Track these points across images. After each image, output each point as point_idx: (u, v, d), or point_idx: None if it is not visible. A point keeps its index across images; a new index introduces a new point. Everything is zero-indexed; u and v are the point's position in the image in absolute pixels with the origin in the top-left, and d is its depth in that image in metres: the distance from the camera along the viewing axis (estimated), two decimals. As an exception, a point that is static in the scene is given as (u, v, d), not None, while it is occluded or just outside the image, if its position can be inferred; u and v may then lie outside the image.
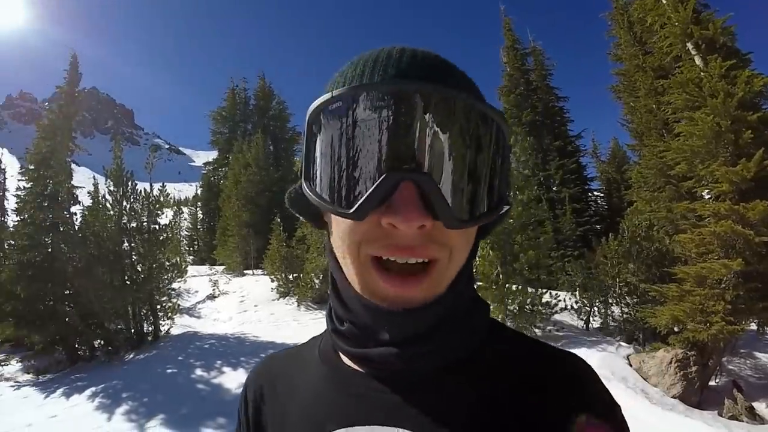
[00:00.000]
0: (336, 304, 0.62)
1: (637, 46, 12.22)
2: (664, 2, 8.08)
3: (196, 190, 42.11)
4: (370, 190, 0.47)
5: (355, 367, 0.60)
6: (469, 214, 0.50)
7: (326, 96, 0.50)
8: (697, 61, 7.72)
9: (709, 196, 8.19)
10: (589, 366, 0.60)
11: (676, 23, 7.77)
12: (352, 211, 0.48)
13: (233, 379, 8.11)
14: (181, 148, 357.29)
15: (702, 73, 7.36)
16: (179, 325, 12.43)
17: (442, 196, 0.47)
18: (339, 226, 0.54)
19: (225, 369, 8.69)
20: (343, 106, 0.49)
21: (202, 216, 33.05)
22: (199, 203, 35.06)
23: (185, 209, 37.45)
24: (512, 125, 19.49)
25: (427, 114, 0.47)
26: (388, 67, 0.53)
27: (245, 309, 14.19)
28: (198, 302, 15.93)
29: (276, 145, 30.46)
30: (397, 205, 0.47)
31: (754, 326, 7.36)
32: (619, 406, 0.57)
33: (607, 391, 0.58)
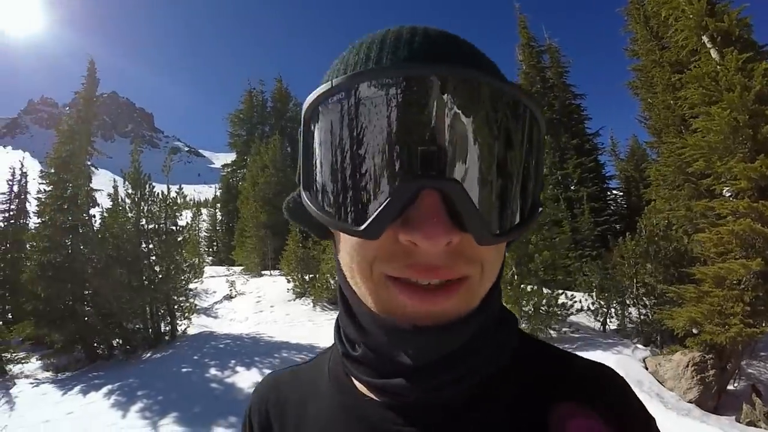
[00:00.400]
0: (347, 324, 0.55)
1: (653, 41, 11.93)
2: (678, -6, 7.86)
3: (215, 191, 42.80)
4: (385, 202, 0.40)
5: (371, 395, 0.53)
6: (503, 225, 0.43)
7: (324, 86, 0.42)
8: (713, 54, 7.48)
9: (730, 193, 7.96)
10: (621, 377, 0.56)
11: (691, 16, 7.53)
12: (362, 228, 0.41)
13: (246, 379, 8.20)
14: (200, 151, 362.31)
15: (718, 67, 7.13)
16: (196, 325, 12.62)
17: (474, 206, 0.40)
18: (347, 242, 0.46)
19: (239, 369, 8.79)
20: (345, 98, 0.41)
21: (221, 217, 33.61)
22: (218, 205, 35.70)
23: (204, 211, 38.36)
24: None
25: (450, 104, 0.39)
26: (399, 49, 0.45)
27: (261, 309, 14.32)
28: (215, 302, 16.16)
29: (293, 146, 30.70)
30: (418, 219, 0.39)
31: (774, 327, 7.08)
32: (653, 419, 0.53)
33: (638, 400, 0.54)
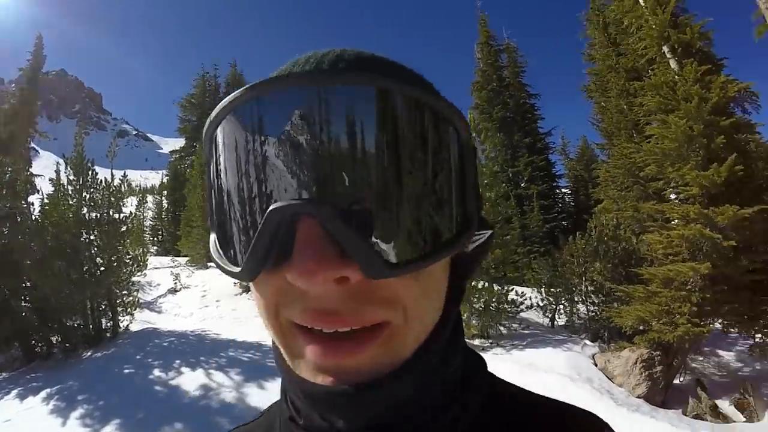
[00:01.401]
0: (286, 383, 0.46)
1: (610, 47, 12.35)
2: (643, 5, 8.12)
3: (162, 178, 42.15)
4: (255, 236, 0.35)
5: None
6: (406, 252, 0.35)
7: (209, 119, 0.39)
8: (672, 64, 7.80)
9: (676, 198, 8.34)
10: (607, 425, 0.49)
11: (654, 26, 7.81)
12: (239, 269, 0.37)
13: (191, 381, 7.84)
14: (149, 135, 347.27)
15: (676, 77, 7.42)
16: (139, 321, 12.07)
17: (352, 231, 0.33)
18: (252, 286, 0.41)
19: (183, 369, 8.41)
20: (223, 127, 0.38)
21: (167, 205, 32.77)
22: (164, 192, 34.88)
23: (150, 198, 37.84)
24: (483, 121, 19.65)
25: (325, 112, 0.34)
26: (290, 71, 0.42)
27: (207, 304, 13.88)
28: (159, 296, 15.58)
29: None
30: (294, 253, 0.34)
31: (718, 325, 7.53)
32: None
33: None
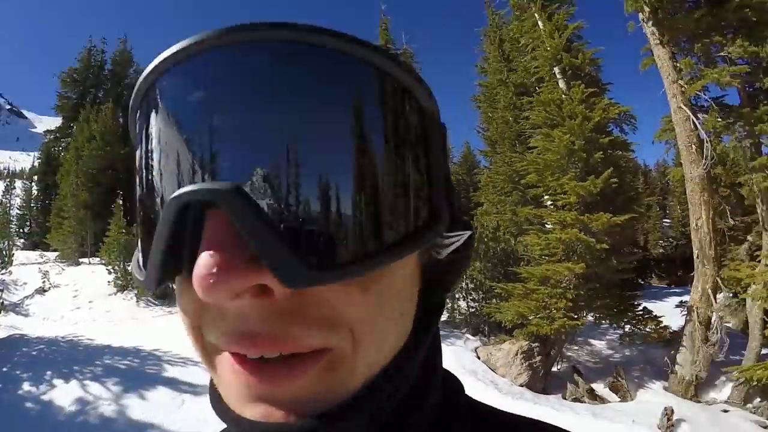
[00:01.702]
0: (218, 414, 0.37)
1: (503, 63, 13.31)
2: (542, 27, 8.91)
3: (34, 161, 38.11)
4: (156, 234, 0.29)
5: None
6: (337, 253, 0.28)
7: (139, 81, 0.32)
8: (561, 84, 8.66)
9: (551, 203, 9.22)
10: None
11: (549, 48, 8.59)
12: (144, 277, 0.31)
13: (66, 394, 7.02)
14: (23, 111, 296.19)
15: (564, 96, 8.25)
16: (3, 326, 10.60)
17: (261, 222, 0.26)
18: (177, 299, 0.34)
19: (56, 381, 7.49)
20: (140, 109, 0.33)
21: (37, 192, 29.61)
22: (35, 177, 31.40)
23: (19, 183, 33.90)
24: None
25: (244, 79, 0.28)
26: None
27: (79, 306, 12.67)
28: (26, 297, 13.76)
29: (127, 118, 28.84)
30: (197, 258, 0.27)
31: (591, 318, 8.45)
32: None
33: None
